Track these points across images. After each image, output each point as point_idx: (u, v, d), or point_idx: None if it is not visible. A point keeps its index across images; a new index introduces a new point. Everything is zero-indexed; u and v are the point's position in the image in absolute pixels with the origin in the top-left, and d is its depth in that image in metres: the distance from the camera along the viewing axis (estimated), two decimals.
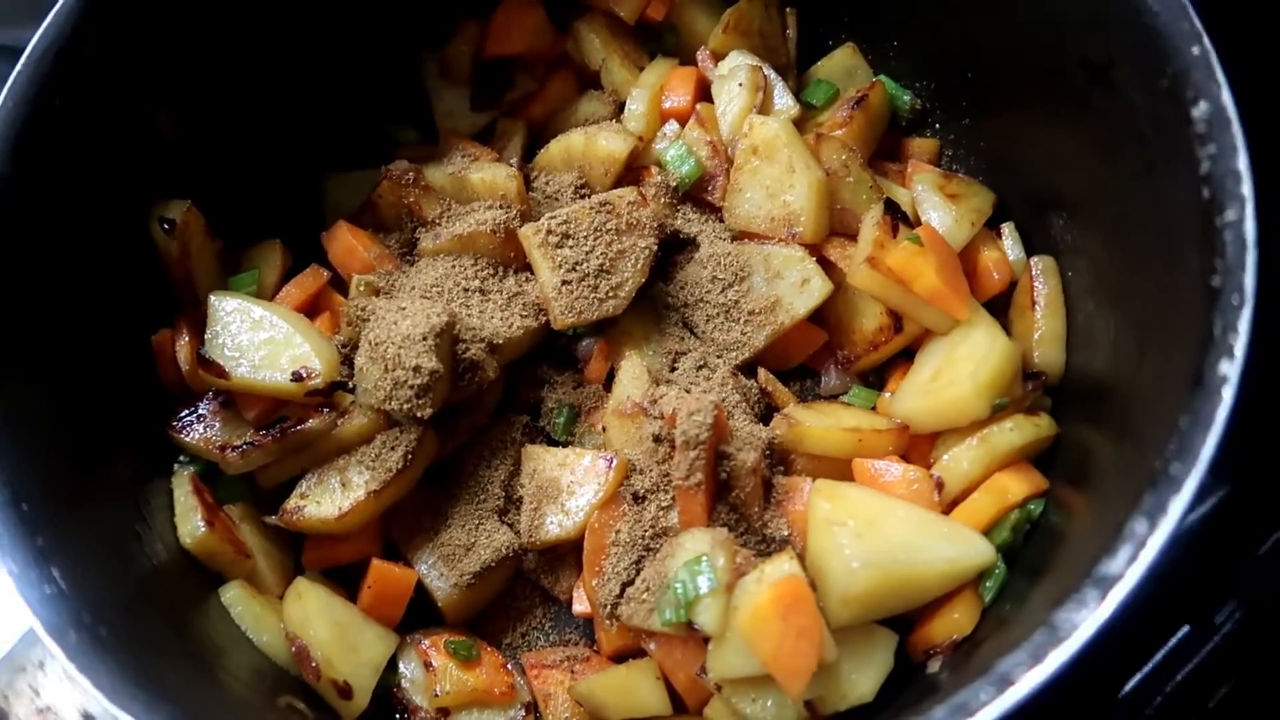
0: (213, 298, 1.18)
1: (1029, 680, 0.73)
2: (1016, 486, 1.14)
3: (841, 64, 1.42)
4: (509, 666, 1.20)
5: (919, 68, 1.38)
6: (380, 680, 1.15)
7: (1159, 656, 1.30)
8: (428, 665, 1.16)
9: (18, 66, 1.01)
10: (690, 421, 1.10)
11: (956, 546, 1.09)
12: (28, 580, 0.83)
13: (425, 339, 1.13)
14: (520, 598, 1.28)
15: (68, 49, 1.04)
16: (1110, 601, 0.73)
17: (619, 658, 1.18)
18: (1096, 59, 1.02)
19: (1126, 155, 1.01)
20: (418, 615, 1.21)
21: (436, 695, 1.14)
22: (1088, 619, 0.73)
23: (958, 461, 1.16)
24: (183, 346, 1.19)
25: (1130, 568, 0.74)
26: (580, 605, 1.23)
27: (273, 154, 1.35)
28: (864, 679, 1.05)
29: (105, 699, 0.78)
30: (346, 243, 1.31)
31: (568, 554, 1.25)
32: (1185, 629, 1.31)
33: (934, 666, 1.09)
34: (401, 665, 1.18)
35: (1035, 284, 1.23)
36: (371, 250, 1.31)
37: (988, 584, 1.11)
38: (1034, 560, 1.10)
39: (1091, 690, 1.29)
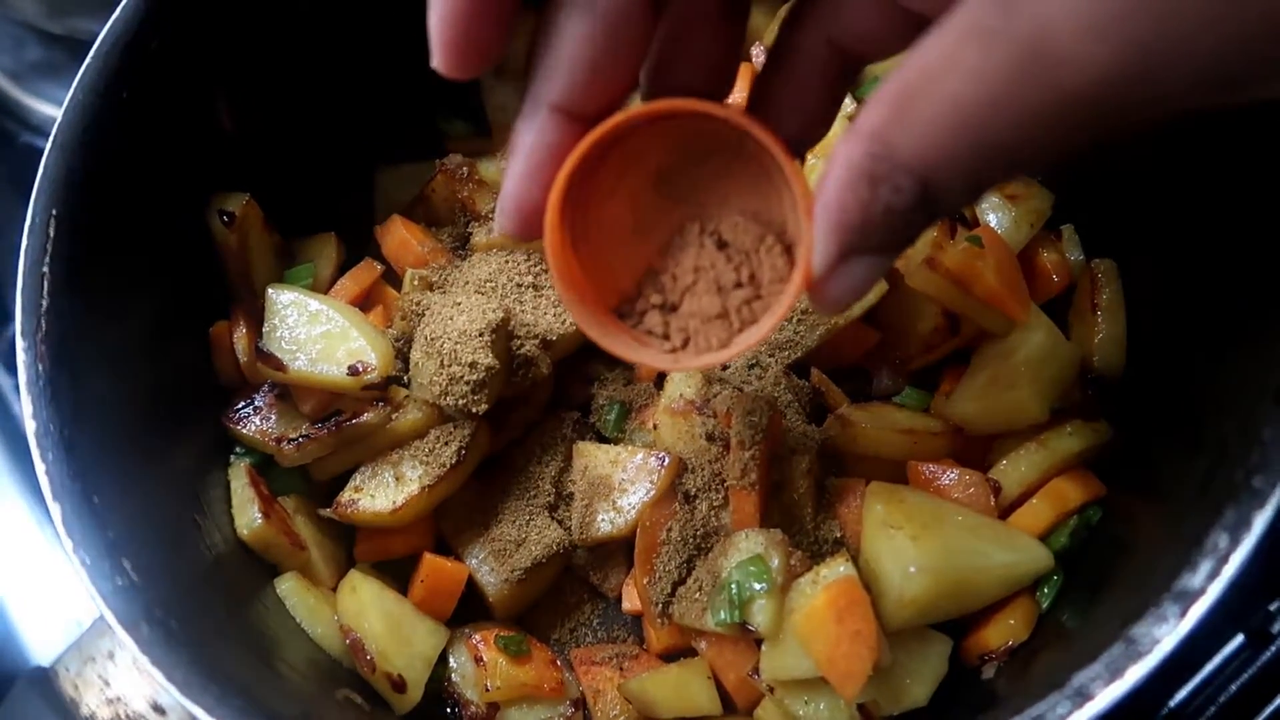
0: (271, 290, 1.19)
1: (1108, 695, 0.72)
2: (1075, 492, 1.13)
3: (897, 61, 1.40)
4: (558, 662, 1.21)
5: None
6: (431, 674, 1.16)
7: (1210, 667, 1.28)
8: (478, 660, 1.17)
9: (87, 59, 1.02)
10: (746, 421, 1.10)
11: (1014, 552, 1.09)
12: (100, 572, 0.84)
13: (482, 335, 1.13)
14: (569, 594, 1.28)
15: (134, 42, 1.05)
16: (1191, 617, 0.72)
17: (668, 656, 1.18)
18: None
19: (1203, 156, 0.99)
20: (465, 609, 1.22)
21: (488, 690, 1.15)
22: (1169, 634, 0.72)
23: (1015, 466, 1.15)
24: (240, 338, 1.19)
25: (1212, 583, 0.73)
26: (630, 603, 1.23)
27: (326, 148, 1.35)
28: (918, 683, 1.04)
29: (178, 692, 0.78)
30: (400, 237, 1.32)
31: (617, 551, 1.25)
32: (1240, 639, 1.29)
33: (989, 673, 1.08)
34: (452, 659, 1.19)
35: (1096, 287, 1.21)
36: (425, 244, 1.32)
37: (1044, 590, 1.10)
38: (1092, 567, 1.09)
39: (1138, 702, 1.28)
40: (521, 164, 0.69)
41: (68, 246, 0.97)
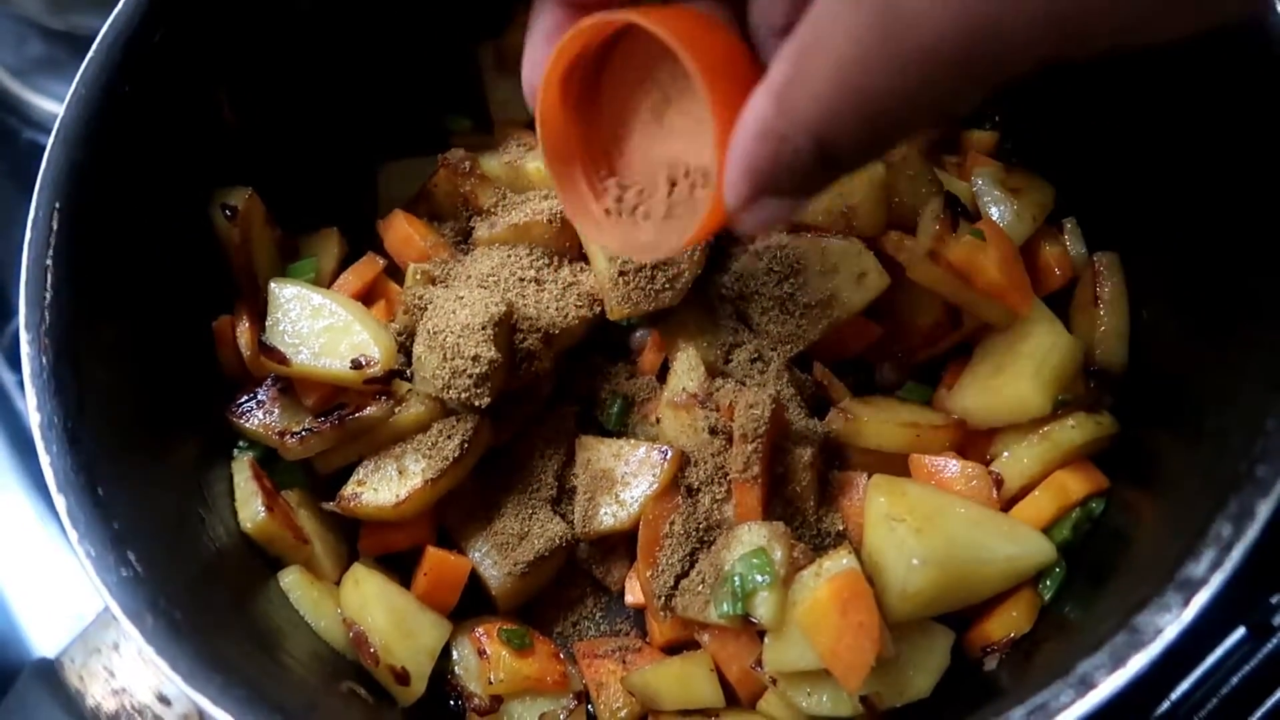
0: (273, 285, 1.19)
1: (1111, 683, 0.72)
2: (1077, 485, 1.13)
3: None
4: (561, 656, 1.21)
5: None
6: (434, 667, 1.16)
7: (1212, 660, 1.28)
8: (481, 653, 1.17)
9: (89, 54, 1.02)
10: (749, 414, 1.10)
11: (1017, 544, 1.09)
12: (105, 564, 0.84)
13: (484, 328, 1.13)
14: (571, 587, 1.28)
15: (136, 37, 1.05)
16: (1194, 606, 0.73)
17: (670, 649, 1.18)
18: (1177, 50, 1.00)
19: (1207, 150, 0.99)
20: (467, 603, 1.22)
21: (491, 683, 1.15)
22: (1172, 623, 0.73)
23: (1018, 458, 1.15)
24: (243, 332, 1.19)
25: (1215, 572, 0.73)
26: (632, 596, 1.23)
27: (328, 143, 1.35)
28: (921, 675, 1.05)
29: (183, 682, 0.79)
30: (403, 231, 1.32)
31: (619, 544, 1.25)
32: (1241, 631, 1.29)
33: (991, 664, 1.08)
34: (455, 653, 1.19)
35: (1098, 280, 1.22)
36: (427, 239, 1.32)
37: (1047, 582, 1.10)
38: (1095, 560, 1.09)
39: (1140, 694, 1.28)
40: (531, 46, 0.79)
41: (71, 240, 0.97)
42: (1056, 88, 1.27)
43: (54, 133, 1.00)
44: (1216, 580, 0.73)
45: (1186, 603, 0.73)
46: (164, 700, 0.92)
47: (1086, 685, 0.73)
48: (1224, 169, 0.98)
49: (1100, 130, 1.22)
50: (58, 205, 0.97)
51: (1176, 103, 1.04)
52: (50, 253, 0.95)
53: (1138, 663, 0.72)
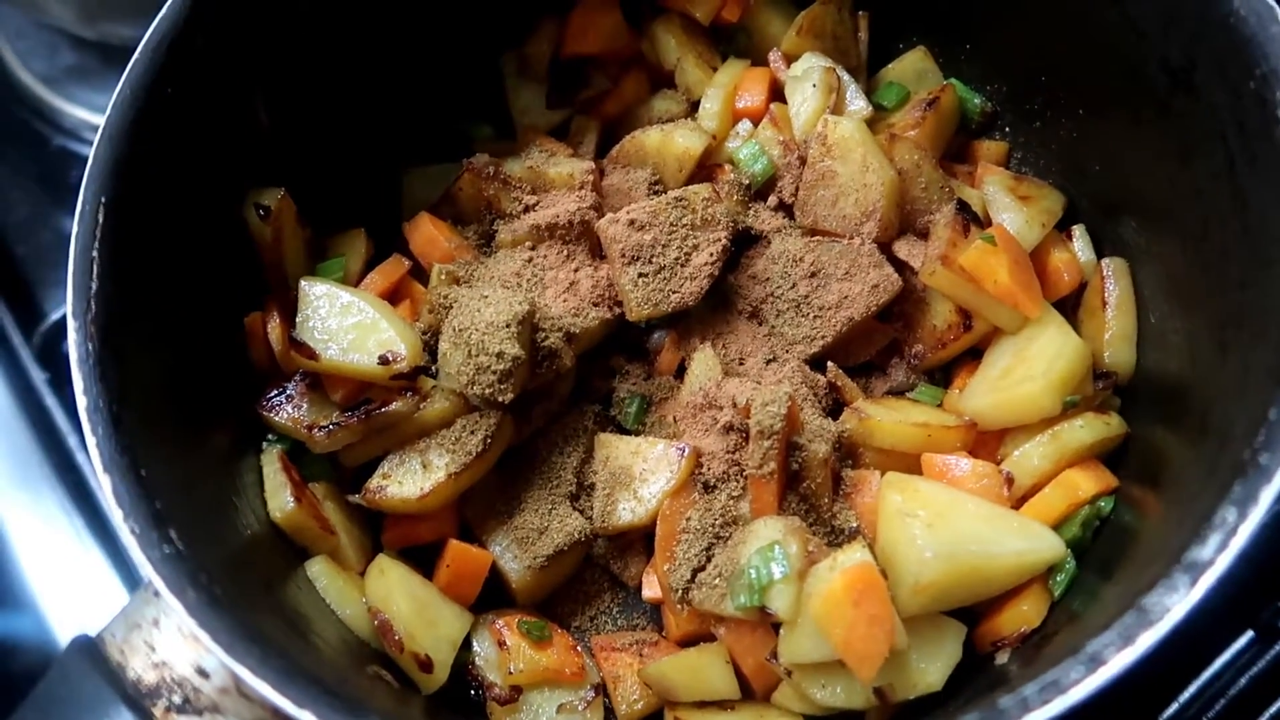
0: (303, 283, 1.22)
1: (1120, 660, 0.74)
2: (1086, 483, 1.16)
3: (912, 66, 1.44)
4: (579, 649, 1.23)
5: (990, 71, 1.40)
6: (456, 657, 1.18)
7: (1220, 662, 1.30)
8: (501, 644, 1.19)
9: (134, 55, 1.06)
10: (765, 412, 1.13)
11: (1027, 540, 1.11)
12: (149, 541, 0.87)
13: (508, 326, 1.16)
14: (589, 582, 1.30)
15: (179, 41, 1.09)
16: (1200, 587, 0.75)
17: (687, 643, 1.20)
18: (1178, 62, 1.04)
19: (1207, 157, 1.02)
20: (488, 597, 1.24)
21: (510, 673, 1.17)
22: (1179, 603, 0.75)
23: (1028, 458, 1.18)
24: (274, 328, 1.23)
25: (1220, 555, 0.76)
26: (650, 591, 1.25)
27: (357, 147, 1.39)
28: (933, 668, 1.06)
29: (223, 653, 0.82)
30: (428, 233, 1.35)
31: (637, 540, 1.28)
32: (1249, 635, 1.31)
33: (1002, 658, 1.10)
34: (475, 644, 1.21)
35: (1106, 285, 1.24)
36: (452, 241, 1.35)
37: (1058, 578, 1.12)
38: (1104, 556, 1.11)
39: (1149, 696, 1.30)
40: None
41: (115, 232, 1.01)
42: (1063, 97, 1.31)
43: (100, 130, 1.03)
44: (1222, 563, 0.76)
45: (1194, 583, 0.75)
46: (202, 673, 0.94)
47: (1097, 662, 0.75)
48: (1222, 175, 1.01)
49: (1105, 138, 1.25)
50: (103, 199, 1.01)
51: (1175, 114, 1.07)
52: (96, 244, 0.99)
53: (1146, 640, 0.75)
